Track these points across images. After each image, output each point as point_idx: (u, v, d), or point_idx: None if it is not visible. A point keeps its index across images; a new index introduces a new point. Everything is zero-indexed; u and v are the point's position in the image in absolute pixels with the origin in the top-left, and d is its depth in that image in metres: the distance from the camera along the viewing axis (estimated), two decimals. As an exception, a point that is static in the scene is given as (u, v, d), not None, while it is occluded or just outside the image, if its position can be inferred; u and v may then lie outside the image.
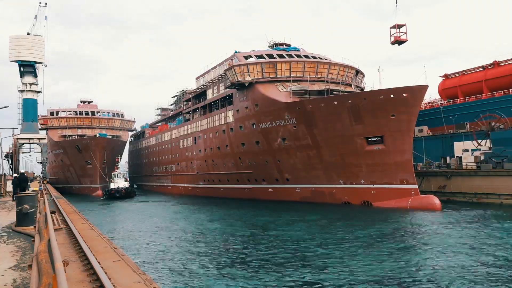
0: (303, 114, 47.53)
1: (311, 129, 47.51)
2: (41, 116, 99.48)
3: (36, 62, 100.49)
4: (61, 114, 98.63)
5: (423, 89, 42.47)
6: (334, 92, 50.22)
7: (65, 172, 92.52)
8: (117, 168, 77.82)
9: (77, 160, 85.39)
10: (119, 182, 71.36)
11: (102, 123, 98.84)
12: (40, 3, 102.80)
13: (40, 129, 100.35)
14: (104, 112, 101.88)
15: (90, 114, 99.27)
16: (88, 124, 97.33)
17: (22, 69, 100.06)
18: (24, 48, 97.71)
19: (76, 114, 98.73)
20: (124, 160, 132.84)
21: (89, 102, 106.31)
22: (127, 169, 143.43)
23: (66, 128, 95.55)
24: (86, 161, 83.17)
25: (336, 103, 44.77)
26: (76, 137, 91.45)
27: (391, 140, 42.32)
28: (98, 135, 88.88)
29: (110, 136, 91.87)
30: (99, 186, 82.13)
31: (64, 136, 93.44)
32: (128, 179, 78.63)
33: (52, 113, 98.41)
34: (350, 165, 45.62)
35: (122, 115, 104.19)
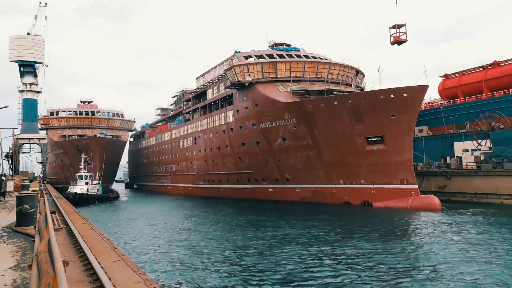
0: (303, 114, 47.52)
1: (311, 129, 47.50)
2: (42, 116, 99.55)
3: (36, 62, 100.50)
4: (61, 114, 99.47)
5: (423, 89, 42.44)
6: (334, 92, 50.19)
7: (65, 172, 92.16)
8: (80, 169, 66.74)
9: (77, 160, 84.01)
10: (81, 185, 62.26)
11: (102, 123, 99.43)
12: (40, 3, 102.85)
13: (41, 129, 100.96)
14: (104, 112, 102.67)
15: (90, 114, 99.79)
16: (88, 124, 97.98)
17: (22, 69, 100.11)
18: (24, 48, 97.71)
19: (76, 114, 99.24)
20: (124, 160, 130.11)
21: (89, 102, 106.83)
22: (127, 169, 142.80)
23: (66, 128, 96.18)
24: (87, 163, 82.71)
25: (336, 103, 44.75)
26: (76, 137, 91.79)
27: (391, 140, 42.31)
28: (98, 135, 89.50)
29: (110, 136, 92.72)
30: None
31: (64, 136, 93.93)
32: (98, 181, 68.05)
33: (52, 113, 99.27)
34: (350, 165, 45.60)
35: (122, 115, 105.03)
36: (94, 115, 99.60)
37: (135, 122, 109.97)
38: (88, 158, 71.83)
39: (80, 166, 67.12)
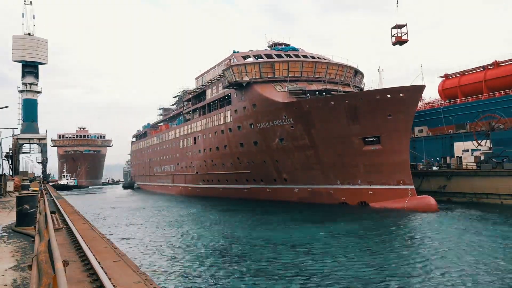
0: (300, 114, 47.45)
1: (308, 129, 47.45)
2: (54, 139, 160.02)
3: (40, 63, 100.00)
4: (66, 136, 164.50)
5: (420, 89, 42.45)
6: (332, 92, 50.12)
7: None
8: (63, 172, 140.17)
9: (72, 166, 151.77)
10: (64, 180, 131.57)
11: (89, 142, 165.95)
12: (24, 1, 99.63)
13: (52, 146, 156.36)
14: (92, 135, 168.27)
15: (83, 137, 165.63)
16: (81, 144, 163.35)
17: (25, 70, 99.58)
18: (29, 49, 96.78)
19: (75, 137, 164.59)
20: (124, 160, 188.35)
21: (83, 128, 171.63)
22: (128, 169, 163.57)
23: (68, 146, 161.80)
24: (77, 167, 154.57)
25: (333, 103, 44.65)
26: (72, 152, 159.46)
27: (388, 140, 42.19)
28: (84, 152, 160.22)
29: (92, 152, 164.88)
30: (84, 181, 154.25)
31: (66, 151, 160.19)
32: (74, 178, 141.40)
33: (59, 136, 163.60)
34: (348, 165, 45.49)
35: (104, 136, 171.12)
36: (85, 137, 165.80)
37: (112, 140, 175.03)
38: (68, 166, 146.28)
39: (64, 171, 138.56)
